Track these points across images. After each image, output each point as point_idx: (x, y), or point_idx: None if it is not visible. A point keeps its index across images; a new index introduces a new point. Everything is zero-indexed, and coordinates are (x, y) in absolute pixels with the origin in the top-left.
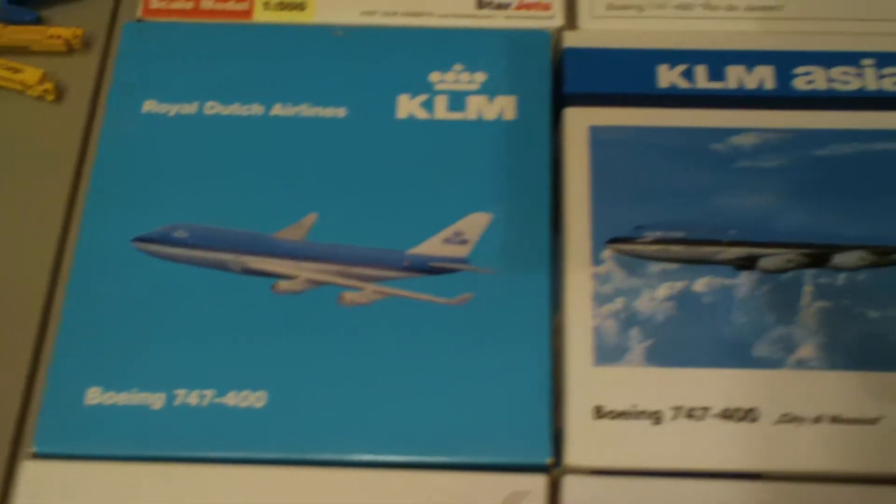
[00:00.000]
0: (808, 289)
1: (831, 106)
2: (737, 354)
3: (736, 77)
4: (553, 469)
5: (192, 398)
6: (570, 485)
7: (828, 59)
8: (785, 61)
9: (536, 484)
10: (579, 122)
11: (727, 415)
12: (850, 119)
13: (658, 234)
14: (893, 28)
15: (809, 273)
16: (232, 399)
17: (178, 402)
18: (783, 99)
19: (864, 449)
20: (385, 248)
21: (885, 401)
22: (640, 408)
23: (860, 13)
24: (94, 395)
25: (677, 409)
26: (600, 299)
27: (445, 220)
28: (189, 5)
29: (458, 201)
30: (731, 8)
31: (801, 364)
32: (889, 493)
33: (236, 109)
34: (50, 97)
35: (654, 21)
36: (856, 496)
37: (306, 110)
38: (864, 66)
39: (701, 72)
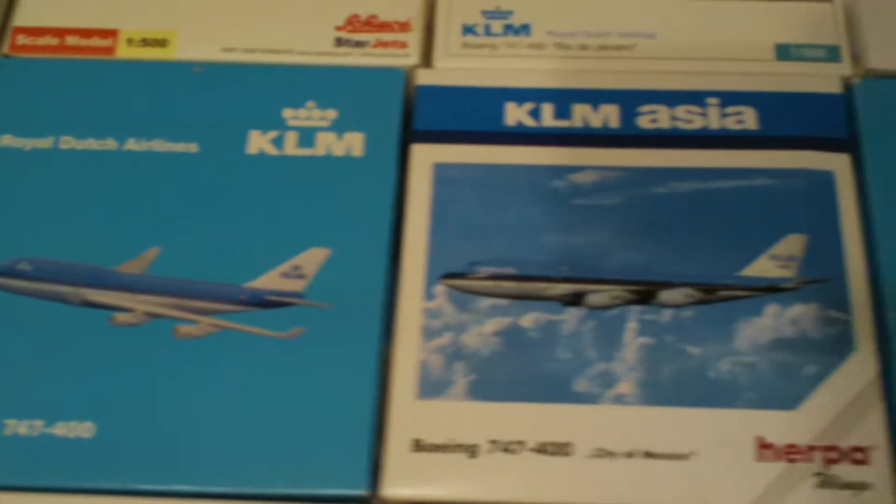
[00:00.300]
0: (631, 325)
1: (675, 145)
2: (556, 389)
3: (581, 116)
4: (371, 501)
5: (22, 428)
6: None
7: (673, 99)
8: (630, 100)
9: None
10: (424, 158)
11: (542, 449)
12: (690, 157)
13: (490, 269)
14: (739, 67)
15: (635, 309)
16: (60, 429)
17: (7, 431)
18: (627, 137)
19: (675, 484)
20: (223, 282)
21: (698, 437)
22: (458, 441)
23: (708, 53)
24: None
25: (494, 442)
26: (429, 334)
27: (286, 254)
28: (54, 42)
29: (300, 236)
30: (583, 47)
31: (619, 399)
32: None
33: (91, 144)
34: None
35: (508, 59)
36: None
37: (158, 145)
38: (708, 105)
39: (547, 110)
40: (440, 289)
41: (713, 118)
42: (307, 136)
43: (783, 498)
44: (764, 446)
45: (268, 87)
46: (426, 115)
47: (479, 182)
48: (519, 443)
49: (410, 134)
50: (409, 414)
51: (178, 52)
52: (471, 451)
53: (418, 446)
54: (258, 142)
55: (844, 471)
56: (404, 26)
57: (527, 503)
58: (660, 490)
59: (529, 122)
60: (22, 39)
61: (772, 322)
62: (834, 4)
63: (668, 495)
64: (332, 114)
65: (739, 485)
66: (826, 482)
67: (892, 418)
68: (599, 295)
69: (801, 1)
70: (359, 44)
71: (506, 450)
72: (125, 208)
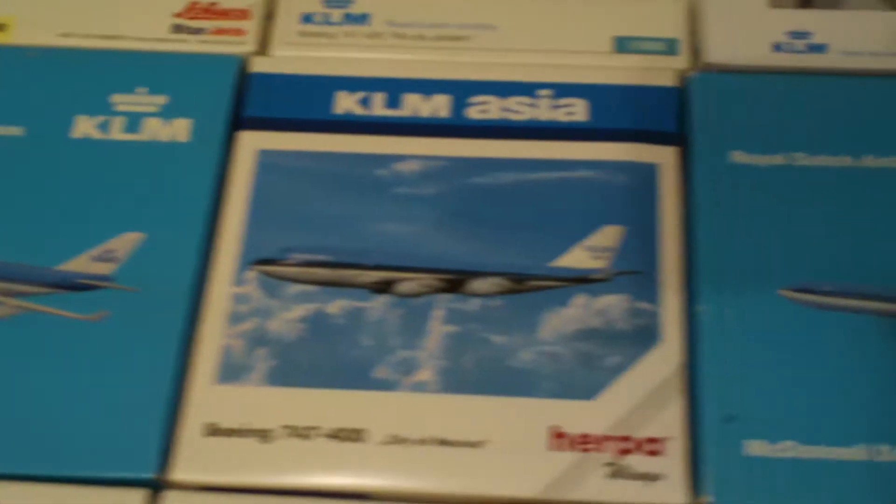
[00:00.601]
0: (438, 313)
1: (502, 135)
2: (356, 376)
3: (412, 105)
4: (160, 485)
5: None
6: (171, 500)
7: (505, 90)
8: (462, 91)
9: (135, 498)
10: (249, 145)
11: (335, 435)
12: (516, 149)
13: (303, 256)
14: (575, 60)
15: (444, 298)
16: None
17: None
18: (455, 128)
19: (466, 471)
20: (33, 265)
21: (493, 425)
22: (252, 426)
23: (546, 45)
24: None
25: (287, 428)
26: (235, 319)
27: (101, 238)
28: None
29: (117, 220)
30: (420, 38)
31: (417, 387)
32: None
33: None
34: None
35: (344, 49)
36: None
37: None
38: (539, 97)
39: (378, 99)
40: (251, 274)
41: (543, 110)
42: (134, 122)
43: (573, 487)
44: (558, 436)
45: (99, 73)
46: (256, 102)
47: (303, 170)
48: (313, 428)
49: (238, 121)
50: (205, 398)
51: (16, 36)
52: (263, 436)
53: (212, 431)
54: (84, 126)
55: (637, 461)
56: (244, 14)
57: (317, 488)
58: (451, 477)
59: (358, 111)
60: None
61: (579, 313)
62: None
63: (460, 482)
64: (161, 100)
65: (530, 473)
66: (617, 472)
67: (693, 410)
68: (409, 283)
69: None
70: (196, 31)
71: (299, 435)
72: None
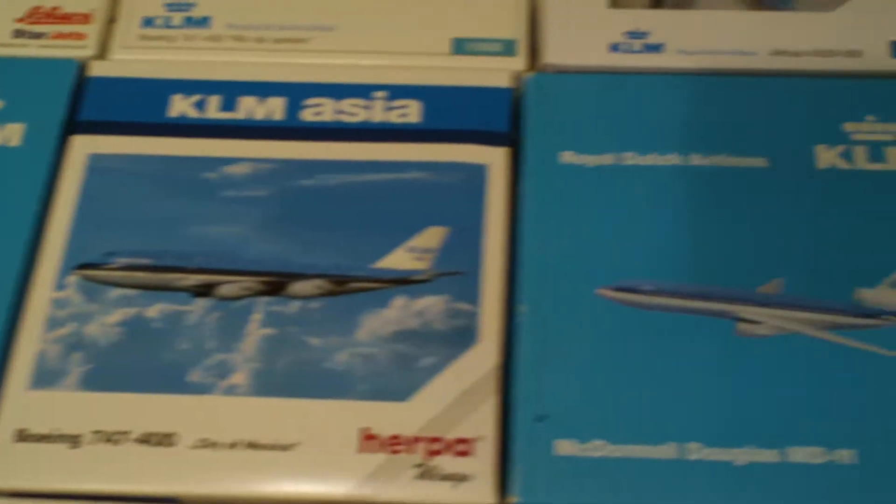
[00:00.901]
0: (256, 316)
1: (334, 137)
2: (170, 380)
3: (246, 108)
4: None
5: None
6: None
7: (340, 92)
8: (297, 93)
9: None
10: (81, 149)
11: (145, 439)
12: (347, 150)
13: (125, 260)
14: (413, 61)
15: (263, 301)
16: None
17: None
18: (288, 130)
19: (276, 474)
20: None
21: (304, 428)
22: (62, 431)
23: (384, 46)
24: None
25: (97, 433)
26: (53, 324)
27: None
28: None
29: None
30: (260, 40)
31: (231, 390)
32: None
33: None
34: None
35: (182, 52)
36: None
37: None
38: (374, 99)
39: (213, 102)
40: (72, 279)
41: (377, 112)
42: None
43: (382, 488)
44: (368, 437)
45: None
46: (92, 106)
47: (132, 173)
48: (123, 433)
49: (73, 125)
50: (17, 404)
51: None
52: (73, 441)
53: (22, 437)
54: None
55: (447, 462)
56: (85, 18)
57: (126, 493)
58: (260, 480)
59: (193, 114)
60: None
61: (397, 314)
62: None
63: (268, 485)
64: None
65: (340, 475)
66: (426, 473)
67: (507, 410)
68: (230, 286)
69: None
70: (37, 35)
71: (109, 440)
72: None
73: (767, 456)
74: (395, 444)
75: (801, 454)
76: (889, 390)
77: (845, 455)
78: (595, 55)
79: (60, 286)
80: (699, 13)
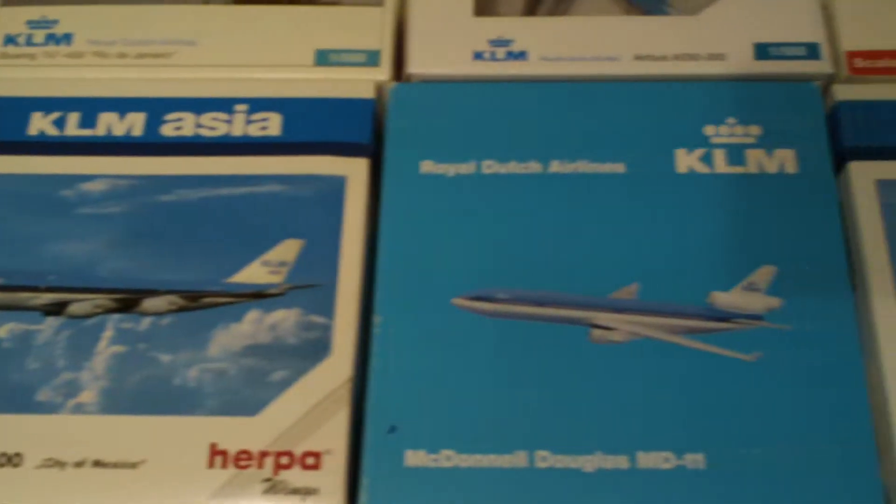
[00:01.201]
0: (107, 334)
1: (195, 152)
2: (17, 400)
3: (106, 124)
4: None
5: None
6: None
7: (201, 106)
8: (158, 108)
9: None
10: None
11: None
12: (206, 165)
13: None
14: (276, 74)
15: (115, 318)
16: None
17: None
18: (148, 145)
19: (123, 493)
20: None
21: (152, 445)
22: None
23: (247, 59)
24: None
25: None
26: None
27: None
28: None
29: None
30: (121, 55)
31: (78, 409)
32: None
33: None
34: None
35: (45, 69)
36: None
37: None
38: (235, 112)
39: (73, 119)
40: None
41: (238, 125)
42: None
43: None
44: (217, 453)
45: None
46: None
47: None
48: None
49: None
50: None
51: None
52: None
53: None
54: None
55: (295, 476)
56: None
57: None
58: (107, 499)
59: (52, 132)
60: None
61: (250, 328)
62: (384, 10)
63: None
64: None
65: (187, 492)
66: (273, 488)
67: (357, 421)
68: (81, 304)
69: (348, 6)
70: None
71: None
72: None
73: (617, 462)
74: (242, 459)
75: (651, 459)
76: (738, 393)
77: (694, 459)
78: (459, 64)
79: None
80: (563, 20)
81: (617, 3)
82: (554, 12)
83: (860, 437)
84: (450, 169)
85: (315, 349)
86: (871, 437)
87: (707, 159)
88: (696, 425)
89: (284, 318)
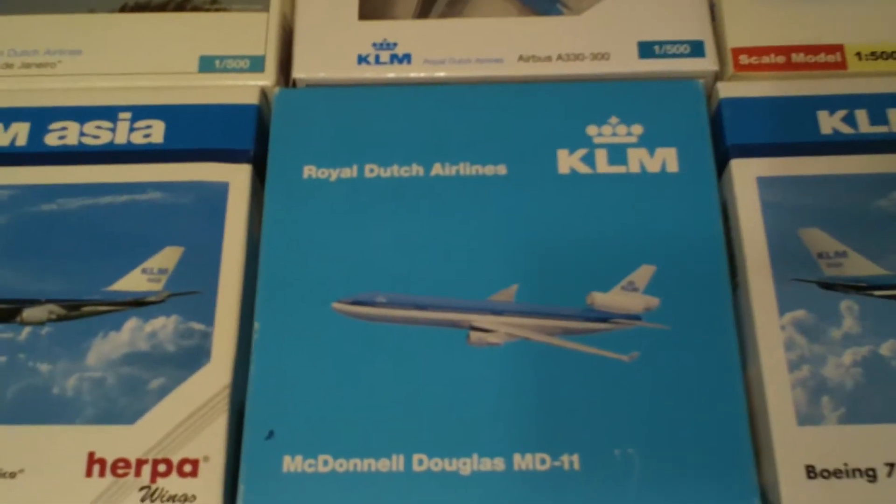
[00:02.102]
0: None
1: (79, 161)
2: None
3: None
4: None
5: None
6: None
7: (85, 115)
8: (42, 118)
9: None
10: None
11: None
12: (89, 173)
13: None
14: (160, 81)
15: None
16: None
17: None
18: (32, 155)
19: (2, 502)
20: None
21: (31, 454)
22: None
23: (131, 67)
24: None
25: None
26: None
27: None
28: None
29: None
30: (7, 66)
31: None
32: None
33: None
34: None
35: None
36: None
37: None
38: (119, 120)
39: None
40: None
41: (121, 133)
42: None
43: None
44: (95, 461)
45: None
46: None
47: None
48: None
49: None
50: None
51: None
52: None
53: None
54: None
55: (172, 483)
56: None
57: None
58: None
59: None
60: None
61: (128, 336)
62: (269, 15)
63: None
64: None
65: (66, 501)
66: (150, 495)
67: (238, 428)
68: None
69: (233, 12)
70: None
71: None
72: None
73: (493, 465)
74: (120, 467)
75: (527, 461)
76: (615, 393)
77: (568, 460)
78: (343, 68)
79: None
80: (449, 22)
81: (511, 4)
82: (447, 15)
83: (736, 437)
84: (332, 174)
85: (194, 356)
86: (748, 438)
87: (589, 159)
88: (572, 426)
89: (163, 326)
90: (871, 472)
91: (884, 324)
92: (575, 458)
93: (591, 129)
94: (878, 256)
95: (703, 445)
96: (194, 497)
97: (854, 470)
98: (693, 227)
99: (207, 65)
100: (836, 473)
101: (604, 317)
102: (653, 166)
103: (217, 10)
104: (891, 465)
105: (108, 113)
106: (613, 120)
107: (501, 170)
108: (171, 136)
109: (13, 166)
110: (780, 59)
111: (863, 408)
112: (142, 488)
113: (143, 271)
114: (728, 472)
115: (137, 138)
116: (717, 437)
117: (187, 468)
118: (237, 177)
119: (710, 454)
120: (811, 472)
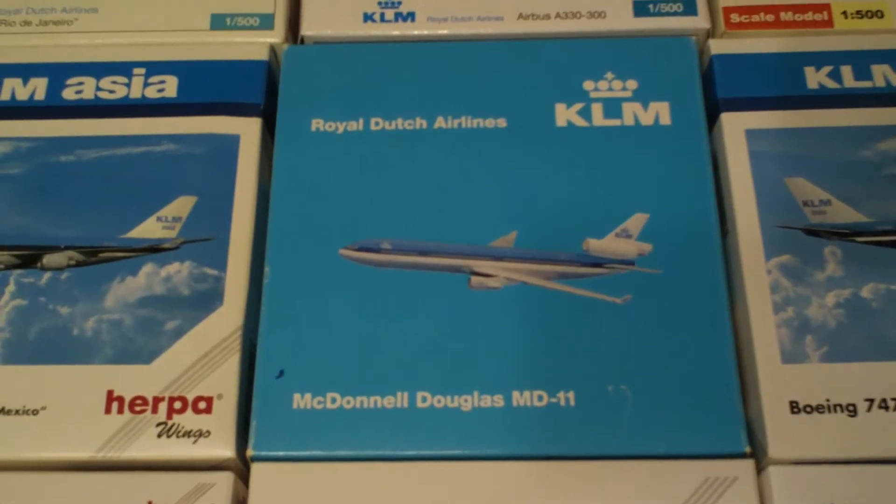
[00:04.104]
0: (9, 288)
1: (95, 114)
2: None
3: (9, 89)
4: None
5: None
6: None
7: (101, 70)
8: (59, 73)
9: None
10: None
11: None
12: (106, 126)
13: None
14: (172, 38)
15: (17, 273)
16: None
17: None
18: (50, 108)
19: (26, 438)
20: None
21: (52, 392)
22: None
23: (145, 25)
24: None
25: None
26: None
27: None
28: None
29: None
30: (25, 23)
31: None
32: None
33: None
34: None
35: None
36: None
37: None
38: (134, 76)
39: None
40: None
41: (136, 88)
42: None
43: (125, 447)
44: (113, 399)
45: None
46: None
47: None
48: None
49: None
50: None
51: None
52: None
53: None
54: None
55: (187, 419)
56: None
57: None
58: (10, 444)
59: None
60: None
61: (145, 281)
62: None
63: (18, 449)
64: None
65: (86, 436)
66: (167, 430)
67: (251, 368)
68: None
69: None
70: None
71: None
72: None
73: (493, 401)
74: (138, 404)
75: (525, 398)
76: (608, 334)
77: (564, 397)
78: (349, 26)
79: None
80: None
81: None
82: None
83: (724, 374)
84: (339, 126)
85: (207, 299)
86: (735, 375)
87: (585, 113)
88: (568, 365)
89: (178, 271)
90: (851, 408)
91: (865, 268)
92: (571, 394)
93: (588, 84)
94: (860, 204)
95: (693, 382)
96: (209, 433)
97: (835, 405)
98: (684, 178)
99: (219, 22)
100: (819, 408)
101: (598, 262)
102: (646, 119)
103: None
104: (870, 400)
105: (124, 69)
106: (609, 75)
107: (501, 123)
108: (183, 91)
109: (32, 119)
110: (770, 17)
111: (844, 347)
112: (158, 424)
113: (158, 219)
114: (716, 408)
115: (151, 93)
116: (705, 375)
117: (202, 405)
118: (248, 129)
119: (699, 391)
120: (794, 407)
